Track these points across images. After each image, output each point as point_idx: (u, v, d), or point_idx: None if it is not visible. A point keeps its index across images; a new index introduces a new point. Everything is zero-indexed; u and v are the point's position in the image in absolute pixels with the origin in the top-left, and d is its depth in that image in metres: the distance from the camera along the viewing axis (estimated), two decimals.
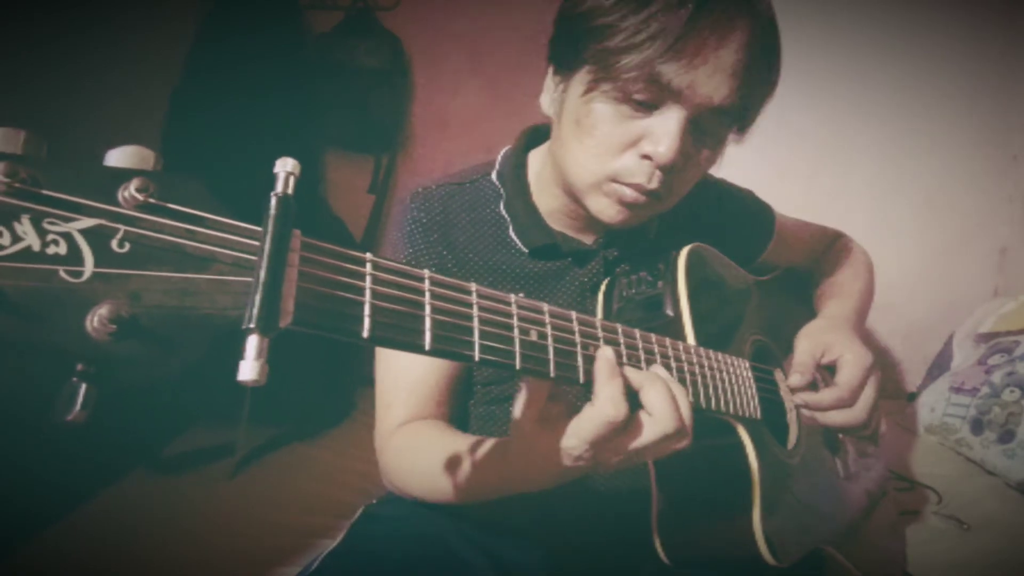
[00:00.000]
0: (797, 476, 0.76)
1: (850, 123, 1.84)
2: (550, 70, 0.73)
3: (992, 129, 1.81)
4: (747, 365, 0.72)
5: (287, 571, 1.06)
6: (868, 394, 0.77)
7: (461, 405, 0.82)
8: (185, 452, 1.46)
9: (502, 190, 0.81)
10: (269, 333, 0.33)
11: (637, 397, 0.53)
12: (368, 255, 0.39)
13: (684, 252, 0.73)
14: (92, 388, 0.31)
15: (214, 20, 1.76)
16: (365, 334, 0.38)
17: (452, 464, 0.64)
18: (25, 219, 0.29)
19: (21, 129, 0.31)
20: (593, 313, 0.73)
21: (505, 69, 1.85)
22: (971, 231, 1.85)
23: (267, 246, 0.34)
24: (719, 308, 0.75)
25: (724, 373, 0.67)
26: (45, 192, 0.30)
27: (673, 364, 0.60)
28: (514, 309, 0.47)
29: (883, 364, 0.82)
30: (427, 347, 0.40)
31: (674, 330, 0.68)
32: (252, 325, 0.32)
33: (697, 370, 0.63)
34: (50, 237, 0.30)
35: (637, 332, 0.57)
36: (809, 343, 0.80)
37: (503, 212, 0.80)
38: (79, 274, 0.30)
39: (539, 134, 0.84)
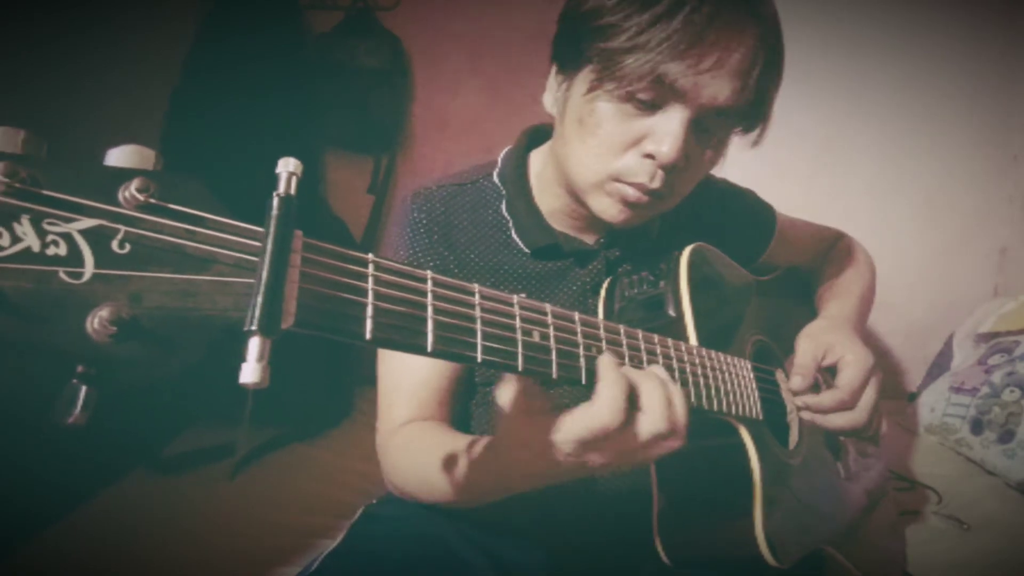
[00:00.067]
0: (798, 476, 0.76)
1: (850, 123, 1.84)
2: (553, 69, 0.73)
3: (992, 129, 1.81)
4: (748, 366, 0.72)
5: (287, 571, 1.06)
6: (869, 396, 0.77)
7: (463, 405, 0.82)
8: (185, 452, 1.45)
9: (503, 190, 0.81)
10: (271, 335, 0.33)
11: (634, 400, 0.52)
12: (370, 256, 0.39)
13: (686, 252, 0.73)
14: (92, 390, 0.30)
15: (214, 20, 1.75)
16: (367, 335, 0.37)
17: (449, 463, 0.64)
18: (25, 219, 0.29)
19: (21, 129, 0.31)
20: (595, 313, 0.73)
21: (505, 69, 1.85)
22: (971, 231, 1.85)
23: (269, 247, 0.34)
24: (721, 308, 0.75)
25: (726, 374, 0.67)
26: (45, 192, 0.30)
27: (675, 365, 0.60)
28: (516, 310, 0.46)
29: (883, 364, 0.82)
30: (429, 348, 0.40)
31: (676, 330, 0.68)
32: (254, 327, 0.32)
33: (699, 371, 0.63)
34: (50, 238, 0.30)
35: (639, 332, 0.57)
36: (810, 344, 0.80)
37: (504, 212, 0.80)
38: (79, 275, 0.30)
39: (540, 134, 0.84)
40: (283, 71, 1.75)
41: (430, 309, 0.41)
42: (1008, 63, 1.77)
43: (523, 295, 0.48)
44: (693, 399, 0.61)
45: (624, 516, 0.78)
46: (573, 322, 0.51)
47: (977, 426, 1.43)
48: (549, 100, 0.74)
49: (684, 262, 0.72)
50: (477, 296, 0.44)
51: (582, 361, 0.50)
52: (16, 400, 0.29)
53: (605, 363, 0.50)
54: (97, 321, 0.30)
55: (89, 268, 0.30)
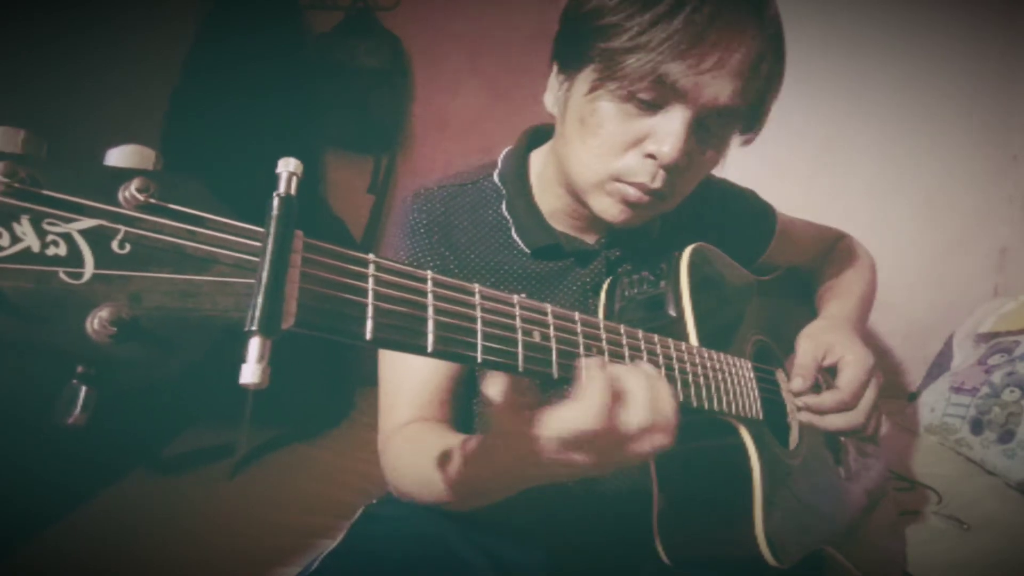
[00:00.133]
0: (798, 476, 0.76)
1: (850, 123, 1.84)
2: (554, 68, 0.73)
3: (992, 129, 1.81)
4: (749, 365, 0.72)
5: (287, 571, 1.06)
6: (868, 396, 0.77)
7: (465, 406, 0.82)
8: (185, 452, 1.45)
9: (504, 191, 0.81)
10: (272, 335, 0.33)
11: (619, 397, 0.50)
12: (371, 256, 0.39)
13: (686, 252, 0.73)
14: (92, 390, 0.30)
15: (214, 20, 1.75)
16: (368, 336, 0.37)
17: (443, 461, 0.63)
18: (24, 219, 0.29)
19: (21, 128, 0.31)
20: (595, 313, 0.73)
21: (505, 69, 1.85)
22: (971, 231, 1.85)
23: (269, 247, 0.34)
24: (721, 308, 0.75)
25: (726, 374, 0.66)
26: (45, 192, 0.30)
27: (675, 365, 0.59)
28: (517, 310, 0.46)
29: (883, 364, 0.82)
30: (429, 348, 0.40)
31: (676, 330, 0.68)
32: (254, 327, 0.32)
33: (699, 371, 0.62)
34: (50, 238, 0.30)
35: (640, 332, 0.57)
36: (810, 344, 0.80)
37: (505, 213, 0.80)
38: (79, 275, 0.30)
39: (540, 134, 0.84)
40: (283, 71, 1.75)
41: (430, 309, 0.41)
42: (1008, 63, 1.77)
43: (523, 295, 0.48)
44: (694, 399, 0.61)
45: (624, 516, 0.78)
46: (574, 322, 0.51)
47: (977, 426, 1.43)
48: (550, 100, 0.74)
49: (684, 262, 0.71)
50: (477, 296, 0.44)
51: (583, 361, 0.50)
52: (16, 400, 0.29)
53: (589, 362, 0.49)
54: (97, 321, 0.30)
55: (89, 268, 0.30)
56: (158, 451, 1.47)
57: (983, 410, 1.43)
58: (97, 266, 0.30)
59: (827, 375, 0.81)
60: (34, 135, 0.31)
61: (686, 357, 0.61)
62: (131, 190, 0.32)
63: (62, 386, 0.30)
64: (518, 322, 0.46)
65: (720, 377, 0.65)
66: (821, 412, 0.77)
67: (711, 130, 0.67)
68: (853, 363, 0.77)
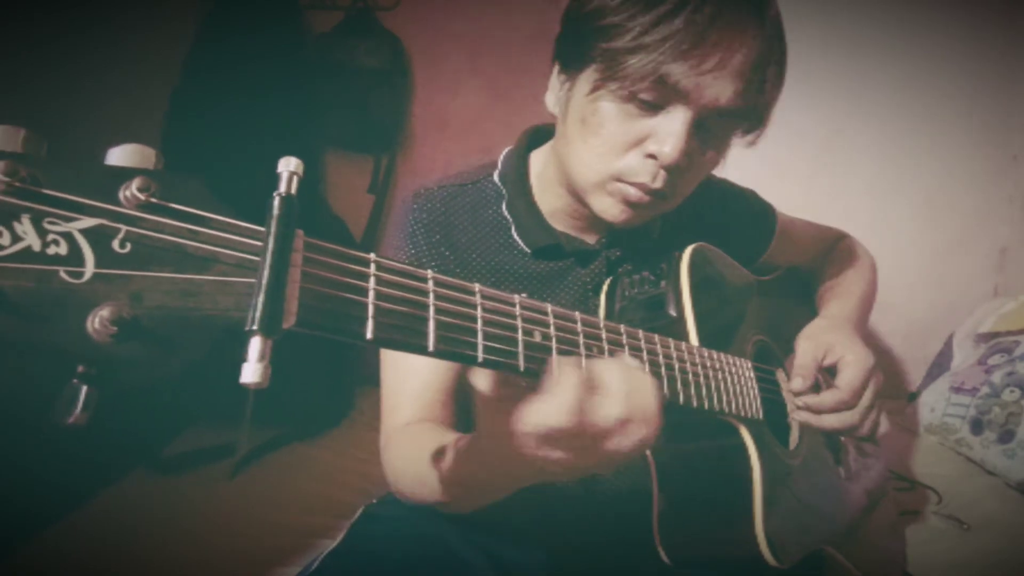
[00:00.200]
0: (798, 476, 0.76)
1: (850, 123, 1.84)
2: (555, 68, 0.73)
3: (992, 129, 1.81)
4: (749, 365, 0.72)
5: (287, 571, 1.06)
6: (868, 396, 0.77)
7: (466, 406, 0.82)
8: (185, 452, 1.45)
9: (504, 191, 0.81)
10: (272, 335, 0.33)
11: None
12: (372, 255, 0.39)
13: (687, 252, 0.73)
14: (93, 390, 0.30)
15: (214, 20, 1.76)
16: (369, 335, 0.37)
17: (437, 458, 0.63)
18: (25, 219, 0.29)
19: (21, 127, 0.31)
20: (595, 313, 0.73)
21: (505, 69, 1.85)
22: (971, 231, 1.85)
23: (270, 246, 0.33)
24: (721, 308, 0.75)
25: (726, 374, 0.66)
26: (45, 191, 0.30)
27: (676, 364, 0.59)
28: (518, 310, 0.46)
29: (883, 364, 0.82)
30: (430, 348, 0.40)
31: (677, 330, 0.68)
32: (255, 327, 0.32)
33: (700, 370, 0.62)
34: (50, 237, 0.30)
35: (640, 332, 0.57)
36: (810, 344, 0.80)
37: (505, 213, 0.80)
38: (80, 275, 0.30)
39: (540, 135, 0.84)
40: (283, 71, 1.76)
41: (431, 309, 0.41)
42: (1008, 63, 1.77)
43: (524, 295, 0.48)
44: (694, 399, 0.61)
45: (624, 516, 0.78)
46: (574, 322, 0.51)
47: (977, 426, 1.43)
48: (551, 99, 0.74)
49: (685, 262, 0.72)
50: (478, 296, 0.44)
51: (583, 361, 0.50)
52: (16, 400, 0.29)
53: (562, 359, 0.47)
54: (98, 321, 0.30)
55: (90, 267, 0.30)
56: (158, 451, 1.47)
57: (983, 410, 1.43)
58: (98, 265, 0.30)
59: (827, 375, 0.81)
60: (34, 134, 0.31)
61: (686, 357, 0.61)
62: (132, 189, 0.32)
63: (62, 386, 0.30)
64: (519, 322, 0.46)
65: (720, 377, 0.65)
66: (820, 412, 0.77)
67: (712, 131, 0.67)
68: (853, 363, 0.77)
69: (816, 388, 0.78)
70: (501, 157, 0.84)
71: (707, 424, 0.68)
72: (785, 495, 0.72)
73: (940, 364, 1.71)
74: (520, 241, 0.79)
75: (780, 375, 0.83)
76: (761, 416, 0.71)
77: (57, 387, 0.30)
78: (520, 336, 0.45)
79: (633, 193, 0.68)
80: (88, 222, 0.31)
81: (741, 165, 0.82)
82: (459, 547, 0.79)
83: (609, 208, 0.70)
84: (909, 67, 1.79)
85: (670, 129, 0.64)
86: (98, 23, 1.51)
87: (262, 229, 0.34)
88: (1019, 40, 1.76)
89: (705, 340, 0.68)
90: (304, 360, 1.25)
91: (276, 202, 0.35)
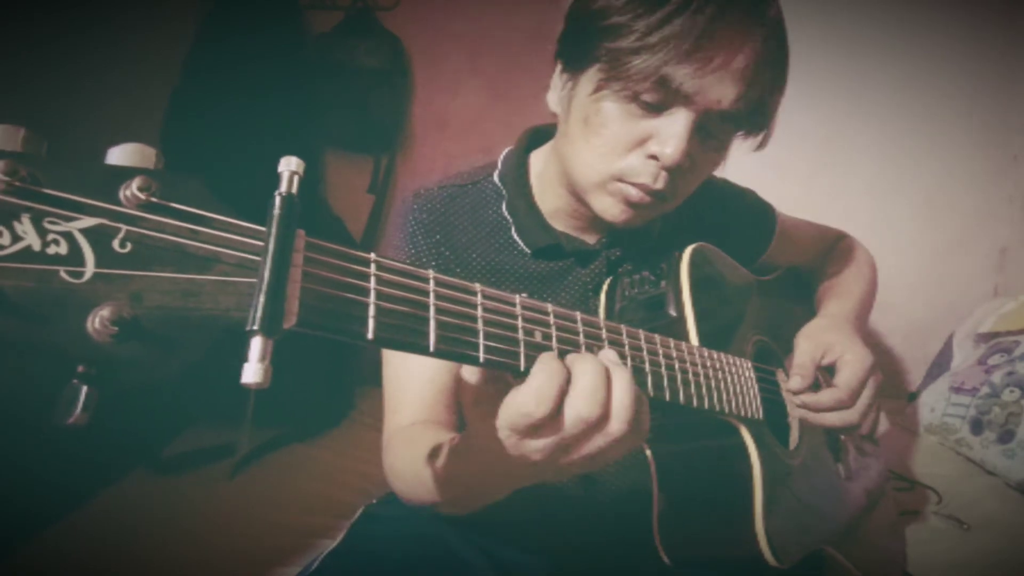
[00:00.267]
0: (798, 476, 0.76)
1: (850, 123, 1.84)
2: (557, 67, 0.73)
3: (992, 129, 1.80)
4: (749, 365, 0.72)
5: (287, 571, 1.06)
6: (866, 395, 0.77)
7: None
8: (185, 452, 1.45)
9: (504, 191, 0.81)
10: (273, 335, 0.33)
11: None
12: (373, 255, 0.39)
13: (687, 252, 0.73)
14: (93, 390, 0.30)
15: (214, 20, 1.76)
16: (370, 335, 0.37)
17: (434, 459, 0.63)
18: (25, 218, 0.29)
19: (21, 127, 0.30)
20: (596, 313, 0.73)
21: (505, 69, 1.85)
22: (971, 231, 1.85)
23: (271, 246, 0.33)
24: (721, 308, 0.75)
25: (726, 373, 0.66)
26: (46, 191, 0.30)
27: (676, 364, 0.59)
28: (519, 310, 0.46)
29: (883, 364, 0.82)
30: (431, 348, 0.40)
31: (677, 330, 0.68)
32: (256, 327, 0.32)
33: (700, 370, 0.62)
34: (51, 237, 0.29)
35: (640, 332, 0.57)
36: (809, 344, 0.80)
37: (505, 213, 0.80)
38: (80, 275, 0.30)
39: (540, 135, 0.84)
40: (283, 71, 1.76)
41: (432, 309, 0.41)
42: (1008, 63, 1.77)
43: (525, 295, 0.47)
44: (694, 399, 0.61)
45: (624, 516, 0.78)
46: (575, 322, 0.51)
47: (977, 426, 1.43)
48: (553, 98, 0.74)
49: (685, 262, 0.72)
50: (479, 296, 0.44)
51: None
52: (16, 400, 0.29)
53: (543, 355, 0.46)
54: (98, 321, 0.30)
55: (90, 267, 0.30)
56: (158, 451, 1.47)
57: (983, 410, 1.43)
58: (98, 265, 0.30)
59: (826, 374, 0.81)
60: (34, 134, 0.31)
61: (686, 357, 0.61)
62: (132, 189, 0.32)
63: (62, 386, 0.30)
64: (520, 322, 0.46)
65: (720, 376, 0.65)
66: (818, 410, 0.77)
67: (713, 133, 0.67)
68: (852, 362, 0.77)
69: (815, 387, 0.78)
70: (501, 157, 0.84)
71: (707, 424, 0.68)
72: (785, 495, 0.72)
73: (940, 364, 1.71)
74: (520, 241, 0.79)
75: (780, 375, 0.83)
76: (761, 416, 0.71)
77: (57, 387, 0.30)
78: (521, 336, 0.45)
79: (634, 193, 0.68)
80: (88, 222, 0.31)
81: (741, 165, 0.81)
82: (459, 547, 0.79)
83: (610, 208, 0.70)
84: (909, 67, 1.79)
85: (672, 131, 0.64)
86: (98, 23, 1.51)
87: (263, 229, 0.34)
88: (1019, 40, 1.76)
89: (705, 340, 0.68)
90: (304, 360, 1.25)
91: (277, 202, 0.35)
